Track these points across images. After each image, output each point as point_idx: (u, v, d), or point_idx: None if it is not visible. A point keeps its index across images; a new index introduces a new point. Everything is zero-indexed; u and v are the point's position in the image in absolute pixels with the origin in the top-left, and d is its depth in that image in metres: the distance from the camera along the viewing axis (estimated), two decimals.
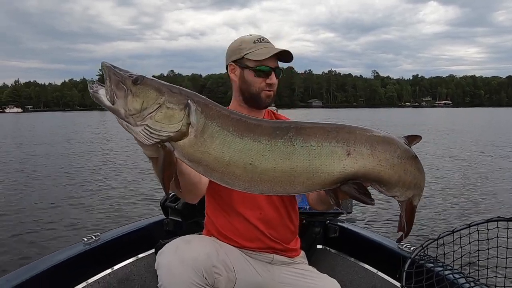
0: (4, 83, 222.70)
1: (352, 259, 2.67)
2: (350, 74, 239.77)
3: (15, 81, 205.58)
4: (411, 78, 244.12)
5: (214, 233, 1.85)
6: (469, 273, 1.91)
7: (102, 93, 1.15)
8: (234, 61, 1.87)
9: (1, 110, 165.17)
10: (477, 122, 46.91)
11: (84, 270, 2.34)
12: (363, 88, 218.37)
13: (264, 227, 1.83)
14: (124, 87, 1.13)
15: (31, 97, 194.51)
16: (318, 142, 1.19)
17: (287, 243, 1.91)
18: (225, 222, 1.84)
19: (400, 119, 55.35)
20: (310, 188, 1.22)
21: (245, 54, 1.82)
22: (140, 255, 2.66)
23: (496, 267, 1.90)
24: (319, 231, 2.73)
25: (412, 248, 2.22)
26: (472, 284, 1.84)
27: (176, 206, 2.70)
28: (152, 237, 2.65)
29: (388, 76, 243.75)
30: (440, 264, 1.95)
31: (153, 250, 2.56)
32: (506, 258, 1.88)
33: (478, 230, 1.92)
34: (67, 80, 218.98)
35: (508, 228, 1.88)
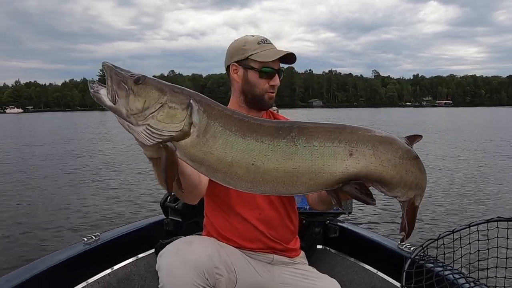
0: (4, 83, 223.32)
1: (352, 259, 2.67)
2: (350, 74, 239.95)
3: (16, 82, 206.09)
4: (411, 77, 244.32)
5: (214, 234, 1.85)
6: (469, 273, 1.91)
7: (103, 93, 1.14)
8: (237, 61, 1.86)
9: (2, 111, 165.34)
10: (478, 122, 46.88)
11: (84, 270, 2.34)
12: (363, 88, 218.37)
13: (263, 227, 1.83)
14: (126, 86, 1.13)
15: (32, 97, 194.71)
16: (321, 142, 1.19)
17: (287, 243, 1.91)
18: (224, 222, 1.83)
19: (400, 119, 55.34)
20: (313, 188, 1.22)
21: (250, 55, 1.82)
22: (140, 255, 2.66)
23: (496, 267, 1.90)
24: (319, 231, 2.72)
25: (412, 248, 2.21)
26: (472, 284, 1.84)
27: (176, 206, 2.70)
28: (152, 237, 2.65)
29: (389, 75, 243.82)
30: (440, 264, 1.95)
31: (153, 250, 2.56)
32: (506, 258, 1.88)
33: (478, 230, 1.92)
34: (67, 81, 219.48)
35: (508, 228, 1.87)
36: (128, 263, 2.59)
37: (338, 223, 2.79)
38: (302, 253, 2.02)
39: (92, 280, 2.35)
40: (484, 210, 7.98)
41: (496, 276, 1.88)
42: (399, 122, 45.12)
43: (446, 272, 1.88)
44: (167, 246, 1.61)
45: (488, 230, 1.90)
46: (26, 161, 15.82)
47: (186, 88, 1.21)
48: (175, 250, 1.57)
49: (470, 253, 1.91)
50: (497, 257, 1.90)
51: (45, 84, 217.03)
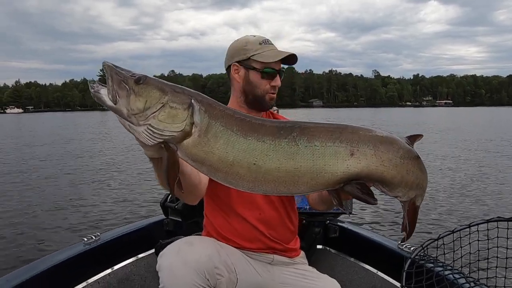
0: (5, 83, 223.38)
1: (352, 259, 2.67)
2: (350, 74, 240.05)
3: (16, 82, 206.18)
4: (411, 77, 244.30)
5: (214, 234, 1.85)
6: (469, 273, 1.91)
7: (104, 93, 1.13)
8: (238, 62, 1.85)
9: (2, 111, 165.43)
10: (478, 122, 46.88)
11: (84, 270, 2.34)
12: (363, 88, 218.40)
13: (263, 227, 1.83)
14: (127, 86, 1.12)
15: (32, 97, 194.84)
16: (322, 142, 1.19)
17: (287, 243, 1.91)
18: (224, 223, 1.83)
19: (401, 118, 55.33)
20: (314, 188, 1.22)
21: (252, 55, 1.81)
22: (140, 255, 2.66)
23: (496, 267, 1.90)
24: (319, 231, 2.72)
25: (412, 248, 2.21)
26: (472, 284, 1.84)
27: (176, 206, 2.70)
28: (152, 237, 2.65)
29: (389, 75, 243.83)
30: (440, 264, 1.95)
31: (153, 250, 2.56)
32: (506, 258, 1.88)
33: (478, 230, 1.92)
34: (67, 81, 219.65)
35: (508, 228, 1.87)
36: (128, 263, 2.59)
37: (338, 223, 2.79)
38: (302, 253, 2.02)
39: (92, 280, 2.35)
40: (484, 210, 7.97)
41: (496, 276, 1.88)
42: (399, 122, 45.11)
43: (446, 272, 1.88)
44: (168, 247, 1.60)
45: (488, 230, 1.90)
46: (26, 161, 15.80)
47: (187, 88, 1.21)
48: (176, 250, 1.56)
49: (470, 253, 1.91)
50: (497, 257, 1.90)
51: (45, 84, 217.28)
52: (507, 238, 1.87)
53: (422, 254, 1.94)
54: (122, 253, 2.59)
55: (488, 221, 1.90)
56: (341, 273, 2.66)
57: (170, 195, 2.77)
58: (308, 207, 2.41)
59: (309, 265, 2.01)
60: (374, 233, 2.83)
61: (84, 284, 2.30)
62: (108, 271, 2.46)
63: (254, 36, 1.89)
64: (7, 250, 6.01)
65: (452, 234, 1.94)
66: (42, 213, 8.05)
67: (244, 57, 1.83)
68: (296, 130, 1.20)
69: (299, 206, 2.30)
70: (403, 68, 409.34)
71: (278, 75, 1.86)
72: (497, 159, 15.16)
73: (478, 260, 1.92)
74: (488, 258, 1.90)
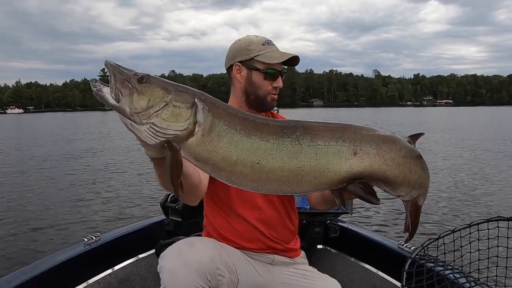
0: (5, 84, 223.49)
1: (353, 259, 2.67)
2: (351, 74, 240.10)
3: (16, 82, 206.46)
4: (412, 77, 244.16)
5: (214, 234, 1.84)
6: (470, 272, 1.91)
7: (106, 91, 1.12)
8: (240, 62, 1.85)
9: (3, 111, 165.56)
10: (479, 121, 46.86)
11: (85, 271, 2.34)
12: (364, 88, 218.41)
13: (263, 227, 1.82)
14: (129, 85, 1.12)
15: (32, 97, 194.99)
16: (325, 141, 1.19)
17: (287, 243, 1.91)
18: (224, 223, 1.83)
19: (401, 118, 55.31)
20: (317, 187, 1.23)
21: (255, 56, 1.81)
22: (141, 256, 2.66)
23: (497, 266, 1.90)
24: (320, 231, 2.72)
25: (412, 248, 2.21)
26: (473, 283, 1.83)
27: (176, 207, 2.70)
28: (153, 237, 2.64)
29: (389, 75, 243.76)
30: (441, 263, 1.94)
31: (153, 251, 2.56)
32: (507, 257, 1.88)
33: (478, 230, 1.92)
34: (68, 81, 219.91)
35: (508, 228, 1.87)
36: (128, 264, 2.59)
37: (339, 223, 2.79)
38: (303, 253, 2.02)
39: (93, 281, 2.35)
40: (484, 210, 7.97)
41: (496, 276, 1.88)
42: (400, 121, 45.09)
43: (447, 272, 1.88)
44: (169, 248, 1.60)
45: (488, 229, 1.90)
46: (26, 162, 15.81)
47: (190, 87, 1.20)
48: (177, 251, 1.56)
49: (470, 252, 1.91)
50: (497, 256, 1.90)
51: (45, 85, 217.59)
52: (508, 238, 1.87)
53: (422, 253, 1.94)
54: (123, 254, 2.58)
55: (488, 221, 1.90)
56: (342, 273, 2.66)
57: (171, 196, 2.77)
58: (308, 207, 2.41)
59: (310, 265, 2.00)
60: (374, 233, 2.83)
61: (84, 284, 2.30)
62: (109, 271, 2.46)
63: (257, 36, 1.89)
64: (7, 250, 6.01)
65: (452, 234, 1.94)
66: (42, 213, 8.05)
67: (247, 57, 1.83)
68: (299, 129, 1.20)
69: (299, 206, 2.30)
70: (403, 67, 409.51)
71: (280, 76, 1.86)
72: (497, 159, 15.16)
73: (479, 260, 1.92)
74: (488, 258, 1.90)
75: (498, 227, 1.88)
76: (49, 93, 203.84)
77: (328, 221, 2.79)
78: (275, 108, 2.21)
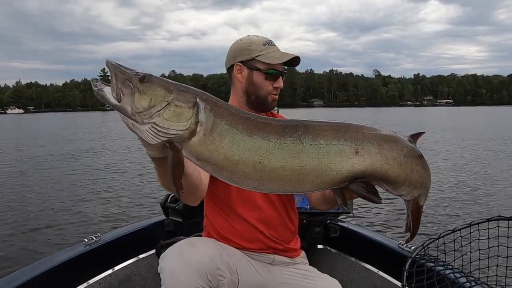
0: (5, 84, 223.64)
1: (353, 258, 2.67)
2: (351, 74, 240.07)
3: (17, 82, 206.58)
4: (412, 77, 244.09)
5: (214, 235, 1.84)
6: (470, 272, 1.91)
7: (107, 91, 1.12)
8: (241, 62, 1.85)
9: (3, 111, 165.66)
10: (479, 121, 46.86)
11: (85, 271, 2.34)
12: (364, 88, 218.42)
13: (264, 227, 1.82)
14: (131, 85, 1.11)
15: (33, 98, 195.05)
16: (327, 141, 1.19)
17: (287, 243, 1.91)
18: (224, 223, 1.83)
19: (402, 118, 55.30)
20: (319, 186, 1.22)
21: (256, 56, 1.81)
22: (141, 256, 2.66)
23: (497, 266, 1.90)
24: (320, 231, 2.72)
25: (413, 248, 2.21)
26: (473, 283, 1.84)
27: (176, 207, 2.69)
28: (153, 237, 2.64)
29: (390, 75, 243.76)
30: (441, 263, 1.95)
31: (154, 251, 2.56)
32: (507, 257, 1.88)
33: (478, 229, 1.92)
34: (68, 81, 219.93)
35: (508, 227, 1.87)
36: (129, 264, 2.59)
37: (339, 223, 2.79)
38: (303, 253, 2.02)
39: (93, 281, 2.35)
40: (484, 209, 7.97)
41: (497, 275, 1.88)
42: (400, 121, 45.09)
43: (447, 271, 1.88)
44: (170, 248, 1.59)
45: (488, 229, 1.90)
46: (26, 162, 15.82)
47: (192, 87, 1.20)
48: (178, 252, 1.55)
49: (471, 252, 1.91)
50: (497, 256, 1.90)
51: (46, 85, 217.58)
52: (508, 237, 1.87)
53: (422, 253, 1.94)
54: (123, 254, 2.58)
55: (488, 220, 1.90)
56: (342, 272, 2.66)
57: (171, 196, 2.77)
58: (308, 206, 2.41)
59: (310, 265, 2.00)
60: (374, 232, 2.82)
61: (85, 285, 2.30)
62: (109, 271, 2.46)
63: (258, 36, 1.89)
64: (8, 251, 6.02)
65: (452, 233, 1.94)
66: (42, 214, 8.06)
67: (248, 57, 1.83)
68: (301, 129, 1.20)
69: (299, 206, 2.30)
70: (403, 67, 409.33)
71: (281, 77, 1.87)
72: (497, 158, 15.16)
73: (479, 259, 1.92)
74: (489, 257, 1.90)
75: (498, 226, 1.88)
76: (49, 93, 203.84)
77: (328, 221, 2.79)
78: (275, 108, 2.21)
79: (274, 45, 1.87)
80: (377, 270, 2.50)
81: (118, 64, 1.14)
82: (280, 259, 1.88)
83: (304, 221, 2.58)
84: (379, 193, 1.27)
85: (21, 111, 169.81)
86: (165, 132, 1.11)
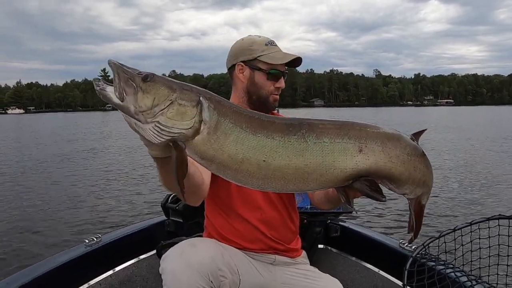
0: (6, 84, 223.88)
1: (354, 258, 2.67)
2: (351, 73, 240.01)
3: (17, 82, 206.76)
4: (412, 77, 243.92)
5: (215, 235, 1.84)
6: (471, 271, 1.91)
7: (110, 90, 1.12)
8: (243, 61, 1.85)
9: (3, 112, 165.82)
10: (480, 121, 46.84)
11: (86, 272, 2.34)
12: (365, 87, 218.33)
13: (264, 228, 1.82)
14: (134, 84, 1.11)
15: (33, 98, 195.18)
16: (331, 139, 1.19)
17: (288, 244, 1.91)
18: (225, 223, 1.83)
19: (402, 118, 55.25)
20: (323, 185, 1.22)
21: (258, 56, 1.82)
22: (142, 256, 2.66)
23: (498, 265, 1.90)
24: (320, 231, 2.72)
25: (413, 247, 2.21)
26: (474, 282, 1.84)
27: (177, 207, 2.69)
28: (154, 238, 2.64)
29: (390, 75, 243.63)
30: (442, 262, 1.95)
31: (154, 251, 2.56)
32: (508, 256, 1.88)
33: (479, 228, 1.92)
34: (68, 81, 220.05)
35: (509, 226, 1.88)
36: (129, 265, 2.59)
37: (339, 223, 2.79)
38: (304, 253, 2.02)
39: (94, 282, 2.35)
40: (485, 208, 7.97)
41: (497, 274, 1.89)
42: (401, 121, 45.05)
43: (448, 270, 1.88)
44: (171, 249, 1.59)
45: (489, 228, 1.90)
46: (26, 162, 15.81)
47: (195, 86, 1.20)
48: (179, 252, 1.55)
49: (471, 251, 1.92)
50: (498, 254, 1.90)
51: (46, 85, 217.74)
52: (509, 236, 1.87)
53: (423, 252, 1.94)
54: (124, 255, 2.59)
55: (489, 219, 1.90)
56: (343, 272, 2.66)
57: (171, 196, 2.77)
58: (309, 206, 2.41)
59: (311, 264, 2.00)
60: (375, 232, 2.82)
61: (85, 285, 2.30)
62: (110, 272, 2.46)
63: (260, 36, 1.89)
64: (8, 252, 6.01)
65: (453, 233, 1.94)
66: (42, 215, 8.05)
67: (250, 57, 1.83)
68: (305, 127, 1.20)
69: (300, 205, 2.30)
70: (404, 67, 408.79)
71: (282, 77, 1.87)
72: (498, 158, 15.16)
73: (480, 258, 1.92)
74: (489, 256, 1.90)
75: (499, 225, 1.89)
76: (49, 93, 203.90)
77: (329, 221, 2.79)
78: (276, 108, 2.21)
79: (276, 45, 1.88)
80: (378, 269, 2.50)
81: (120, 63, 1.14)
82: (281, 259, 1.88)
83: (305, 221, 2.58)
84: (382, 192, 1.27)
85: (22, 111, 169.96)
86: (169, 131, 1.11)
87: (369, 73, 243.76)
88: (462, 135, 25.40)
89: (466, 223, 1.93)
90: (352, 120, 1.27)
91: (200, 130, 1.12)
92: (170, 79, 1.18)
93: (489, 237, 1.91)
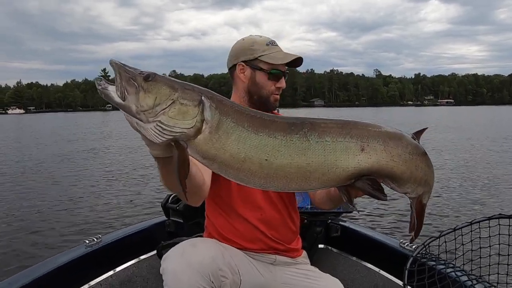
0: (6, 84, 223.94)
1: (354, 258, 2.67)
2: (352, 73, 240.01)
3: (17, 82, 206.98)
4: (413, 76, 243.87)
5: (215, 235, 1.84)
6: (471, 270, 1.91)
7: (112, 90, 1.12)
8: (244, 61, 1.85)
9: (4, 112, 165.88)
10: (480, 120, 46.83)
11: (86, 273, 2.34)
12: (365, 87, 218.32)
13: (265, 228, 1.82)
14: (135, 83, 1.11)
15: (33, 98, 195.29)
16: (333, 138, 1.19)
17: (288, 243, 1.91)
18: (225, 223, 1.83)
19: (402, 118, 55.22)
20: (325, 184, 1.22)
21: (259, 56, 1.82)
22: (142, 257, 2.66)
23: (498, 264, 1.90)
24: (321, 231, 2.72)
25: (414, 247, 2.21)
26: (474, 281, 1.84)
27: (177, 207, 2.69)
28: (154, 238, 2.64)
29: (390, 75, 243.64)
30: (442, 262, 1.95)
31: (155, 252, 2.56)
32: (508, 255, 1.88)
33: (479, 228, 1.92)
34: (69, 81, 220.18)
35: (509, 226, 1.87)
36: (130, 265, 2.59)
37: (340, 222, 2.79)
38: (304, 253, 2.02)
39: (94, 283, 2.35)
40: (485, 208, 7.96)
41: (498, 273, 1.89)
42: (401, 121, 45.02)
43: (448, 270, 1.88)
44: (172, 249, 1.59)
45: (489, 227, 1.90)
46: (27, 163, 15.79)
47: (197, 85, 1.20)
48: (180, 252, 1.55)
49: (472, 250, 1.92)
50: (499, 254, 1.90)
51: (46, 85, 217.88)
52: (509, 235, 1.87)
53: (424, 252, 1.94)
54: (124, 255, 2.59)
55: (489, 219, 1.90)
56: (343, 272, 2.66)
57: (172, 196, 2.77)
58: (309, 206, 2.41)
59: (311, 264, 2.00)
60: (375, 232, 2.83)
61: (86, 286, 2.30)
62: (110, 273, 2.46)
63: (261, 36, 1.89)
64: (8, 253, 6.00)
65: (453, 232, 1.94)
66: (43, 215, 8.04)
67: (251, 57, 1.83)
68: (307, 126, 1.20)
69: (300, 205, 2.29)
70: (404, 67, 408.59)
71: (283, 77, 1.87)
72: (498, 157, 15.15)
73: (480, 258, 1.92)
74: (490, 256, 1.90)
75: (499, 224, 1.89)
76: (50, 93, 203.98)
77: (329, 221, 2.79)
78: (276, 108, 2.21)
79: (277, 45, 1.88)
80: (379, 269, 2.50)
81: (122, 63, 1.14)
82: (282, 259, 1.88)
83: (305, 220, 2.58)
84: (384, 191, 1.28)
85: (22, 111, 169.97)
86: (170, 131, 1.10)
87: (370, 73, 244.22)
88: (463, 135, 25.39)
89: (467, 222, 1.93)
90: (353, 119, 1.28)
91: (202, 129, 1.12)
92: (171, 78, 1.17)
93: (490, 236, 1.91)
